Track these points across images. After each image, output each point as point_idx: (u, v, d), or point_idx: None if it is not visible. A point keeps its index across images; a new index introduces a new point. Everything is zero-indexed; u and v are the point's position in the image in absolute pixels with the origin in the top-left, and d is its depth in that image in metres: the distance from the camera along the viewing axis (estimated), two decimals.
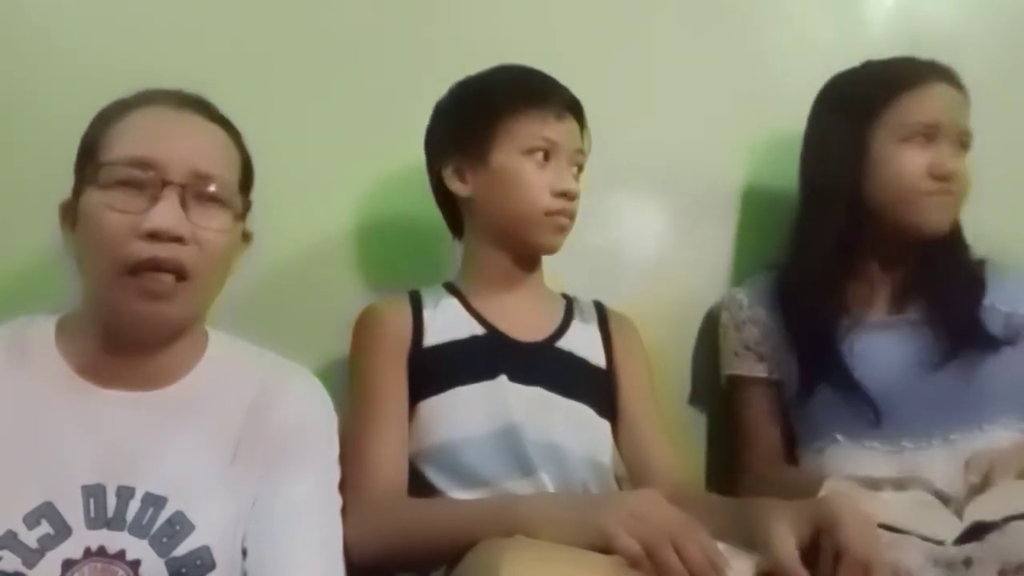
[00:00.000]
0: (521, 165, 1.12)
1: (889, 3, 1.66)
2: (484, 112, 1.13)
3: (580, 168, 1.17)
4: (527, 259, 1.17)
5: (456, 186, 1.16)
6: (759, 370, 1.35)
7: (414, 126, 1.20)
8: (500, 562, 0.71)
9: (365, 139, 1.32)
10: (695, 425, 1.46)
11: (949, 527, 0.96)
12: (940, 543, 0.94)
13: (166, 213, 0.82)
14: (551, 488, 1.03)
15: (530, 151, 1.11)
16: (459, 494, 1.04)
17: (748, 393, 1.37)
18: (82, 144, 0.89)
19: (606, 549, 0.81)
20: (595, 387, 1.17)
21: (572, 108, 1.16)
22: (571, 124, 1.15)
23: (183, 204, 0.83)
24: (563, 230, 1.14)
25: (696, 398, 1.48)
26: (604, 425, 1.15)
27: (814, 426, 1.28)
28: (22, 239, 1.14)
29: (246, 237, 0.95)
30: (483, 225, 1.17)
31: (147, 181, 0.83)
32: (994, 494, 1.03)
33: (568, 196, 1.12)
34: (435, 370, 1.10)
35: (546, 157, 1.12)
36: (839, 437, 1.24)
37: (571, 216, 1.14)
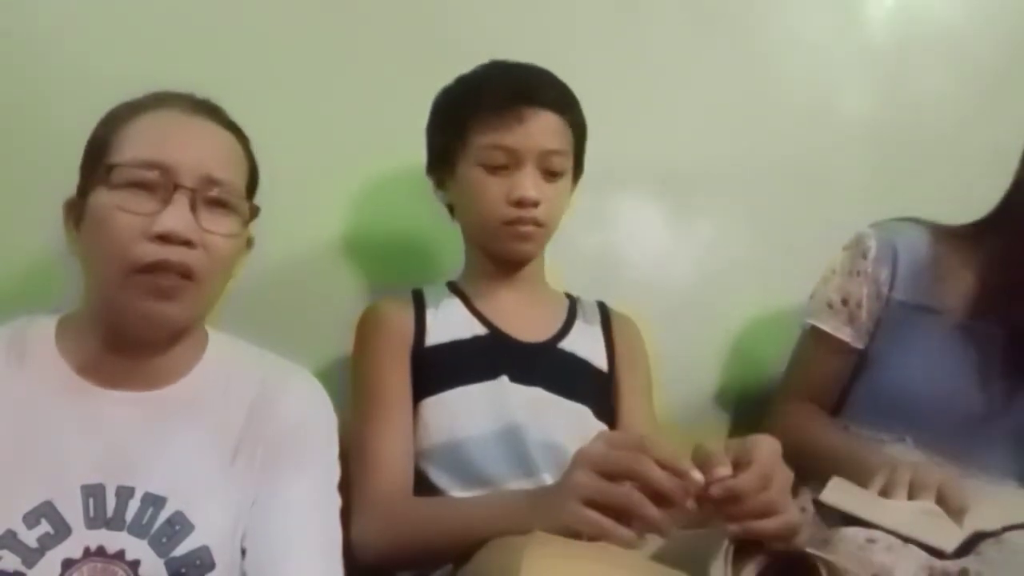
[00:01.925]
0: (477, 176, 1.10)
1: (889, 3, 1.66)
2: (447, 126, 1.14)
3: (552, 171, 1.11)
4: (509, 265, 1.16)
5: (439, 194, 1.18)
6: (845, 333, 1.24)
7: (414, 127, 1.19)
8: (520, 560, 0.69)
9: (365, 140, 1.32)
10: (691, 426, 1.46)
11: (951, 537, 0.96)
12: (941, 553, 0.93)
13: (176, 216, 0.82)
14: None
15: (485, 163, 1.09)
16: (461, 493, 1.04)
17: (822, 350, 1.26)
18: (91, 144, 0.89)
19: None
20: (595, 389, 1.16)
21: (543, 101, 1.10)
22: (539, 122, 1.09)
23: (193, 208, 0.83)
24: (526, 238, 1.11)
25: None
26: (601, 428, 1.14)
27: (886, 416, 1.18)
28: (22, 239, 1.14)
29: (248, 242, 0.95)
30: (465, 233, 1.19)
31: (158, 183, 0.83)
32: (995, 502, 1.03)
33: (527, 203, 1.08)
34: (437, 369, 1.10)
35: (506, 166, 1.09)
36: (909, 440, 1.15)
37: (537, 223, 1.10)
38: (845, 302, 1.24)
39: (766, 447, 0.80)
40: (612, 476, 0.79)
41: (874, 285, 1.22)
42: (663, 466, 0.77)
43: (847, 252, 1.26)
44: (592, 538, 0.78)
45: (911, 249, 1.22)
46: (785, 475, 0.81)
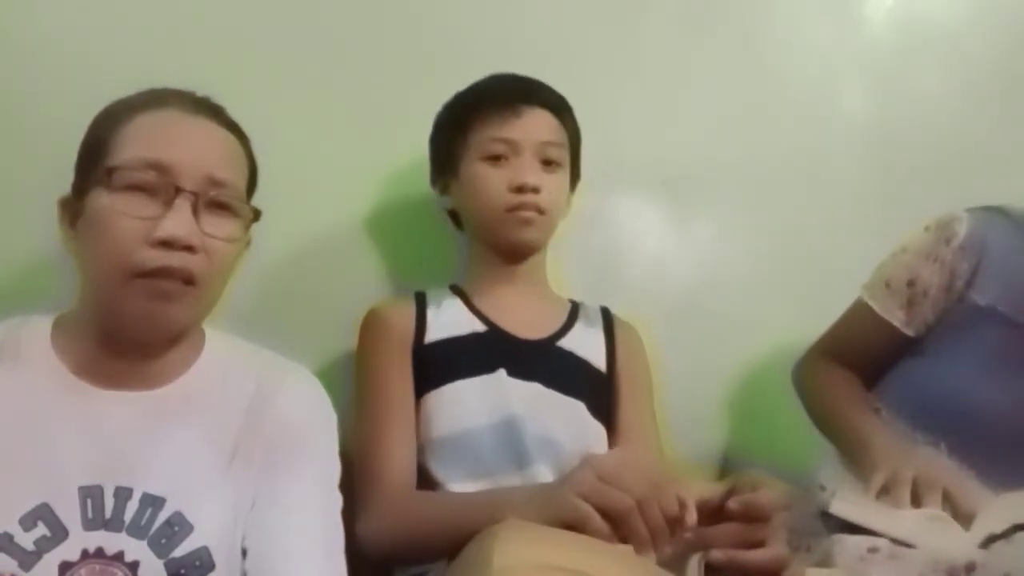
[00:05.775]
0: (480, 170, 1.15)
1: (889, 3, 1.66)
2: (449, 131, 1.20)
3: (551, 160, 1.16)
4: (513, 257, 1.19)
5: (443, 201, 1.23)
6: (896, 317, 1.16)
7: (417, 126, 1.21)
8: (493, 546, 0.71)
9: (369, 139, 1.33)
10: (692, 429, 1.46)
11: (960, 544, 0.95)
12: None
13: (178, 221, 0.81)
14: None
15: (487, 156, 1.15)
16: (460, 486, 1.06)
17: (869, 325, 1.19)
18: (88, 142, 0.88)
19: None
20: (592, 387, 1.17)
21: (539, 101, 1.17)
22: (535, 117, 1.16)
23: (195, 212, 0.83)
24: (528, 223, 1.14)
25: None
26: (596, 425, 1.15)
27: (927, 414, 1.10)
28: (17, 238, 1.14)
29: (246, 243, 0.94)
30: (469, 231, 1.22)
31: (160, 186, 0.82)
32: (1003, 503, 1.02)
33: (527, 189, 1.13)
34: (436, 365, 1.12)
35: (506, 156, 1.14)
36: (943, 447, 1.06)
37: (538, 208, 1.14)
38: (911, 284, 1.14)
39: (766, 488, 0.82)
40: (615, 501, 0.81)
41: (950, 276, 1.11)
42: (663, 510, 0.79)
43: (928, 233, 1.15)
44: (576, 531, 0.80)
45: (1004, 247, 1.10)
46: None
